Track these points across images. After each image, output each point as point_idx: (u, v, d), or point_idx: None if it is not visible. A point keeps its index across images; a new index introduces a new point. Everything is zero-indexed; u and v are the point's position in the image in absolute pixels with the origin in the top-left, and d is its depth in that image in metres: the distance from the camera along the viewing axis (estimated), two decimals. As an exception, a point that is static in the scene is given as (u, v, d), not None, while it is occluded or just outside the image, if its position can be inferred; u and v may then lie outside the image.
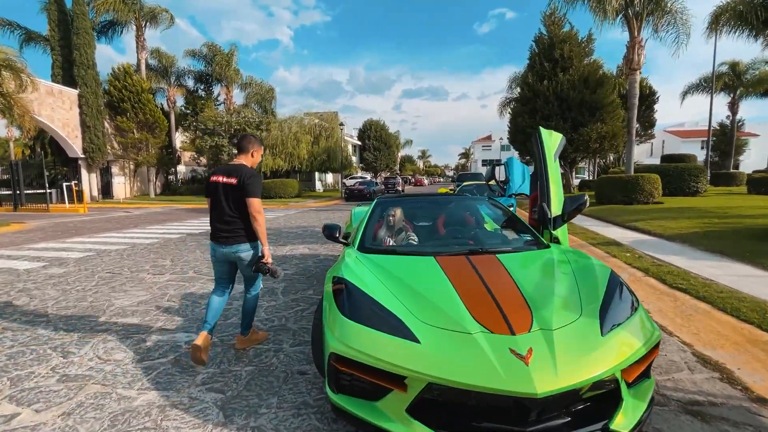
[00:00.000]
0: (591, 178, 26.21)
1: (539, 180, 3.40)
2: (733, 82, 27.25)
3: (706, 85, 26.06)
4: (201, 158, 25.36)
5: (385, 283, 2.18)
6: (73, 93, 21.68)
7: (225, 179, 2.63)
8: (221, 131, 23.24)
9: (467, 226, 3.39)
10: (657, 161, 33.38)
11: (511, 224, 3.19)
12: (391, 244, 3.21)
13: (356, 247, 2.92)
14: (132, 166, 25.29)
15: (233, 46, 27.36)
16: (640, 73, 13.15)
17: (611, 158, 28.45)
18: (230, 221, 2.64)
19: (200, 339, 2.57)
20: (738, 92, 27.81)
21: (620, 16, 12.84)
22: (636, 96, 13.40)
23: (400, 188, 29.39)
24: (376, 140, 43.16)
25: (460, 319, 1.85)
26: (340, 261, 2.61)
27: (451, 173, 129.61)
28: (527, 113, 19.92)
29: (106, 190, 24.40)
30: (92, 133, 21.96)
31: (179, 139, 30.91)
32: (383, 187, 26.82)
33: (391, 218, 3.47)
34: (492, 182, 10.02)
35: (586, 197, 2.96)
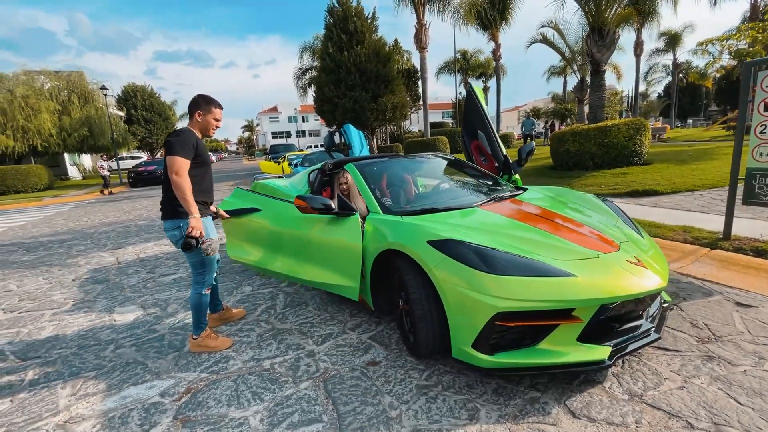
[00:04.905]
0: (384, 144, 29.89)
1: (484, 131, 3.86)
2: (464, 66, 35.95)
3: (450, 67, 33.42)
4: None
5: (478, 236, 2.13)
6: None
7: None
8: None
9: (445, 183, 3.51)
10: (417, 128, 41.38)
11: (480, 175, 3.53)
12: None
13: (381, 212, 2.64)
14: None
15: None
16: (427, 51, 15.71)
17: (394, 126, 33.09)
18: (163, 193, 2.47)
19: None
20: (468, 74, 36.98)
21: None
22: (427, 70, 16.06)
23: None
24: (146, 110, 35.18)
25: (576, 249, 2.07)
26: (403, 229, 2.31)
27: (234, 147, 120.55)
28: (332, 83, 20.58)
29: None
30: None
31: None
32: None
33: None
34: (333, 150, 10.27)
35: (534, 143, 3.59)
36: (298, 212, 2.87)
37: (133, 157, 34.94)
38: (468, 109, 4.09)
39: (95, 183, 21.93)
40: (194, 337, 2.57)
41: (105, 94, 19.32)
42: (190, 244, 2.25)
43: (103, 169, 15.95)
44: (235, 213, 3.45)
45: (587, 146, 8.36)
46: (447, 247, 1.99)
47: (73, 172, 25.62)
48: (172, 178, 2.24)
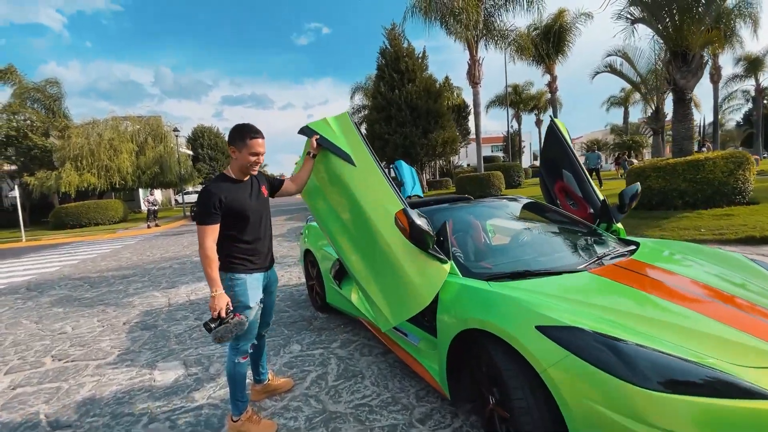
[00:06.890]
0: (433, 179, 29.63)
1: (571, 170, 3.26)
2: (516, 99, 35.34)
3: (501, 101, 32.97)
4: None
5: (608, 320, 1.54)
6: None
7: None
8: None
9: (529, 234, 2.93)
10: (467, 162, 40.95)
11: (572, 224, 2.91)
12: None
13: (460, 274, 2.12)
14: None
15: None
16: (481, 86, 15.44)
17: (444, 161, 32.81)
18: None
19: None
20: (519, 107, 36.27)
21: (463, 38, 14.73)
22: (480, 105, 15.69)
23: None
24: (211, 149, 38.15)
25: (761, 346, 1.40)
26: (495, 302, 1.78)
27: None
28: (383, 120, 20.94)
29: None
30: None
31: None
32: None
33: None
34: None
35: (639, 185, 2.94)
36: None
37: (197, 192, 37.57)
38: (548, 145, 3.54)
39: (162, 216, 23.58)
40: (234, 419, 2.14)
41: (177, 136, 21.07)
42: (208, 327, 1.88)
43: (149, 203, 17.00)
44: (326, 143, 2.49)
45: (675, 182, 7.32)
46: (571, 338, 1.42)
47: (144, 206, 27.85)
48: (199, 251, 1.98)
